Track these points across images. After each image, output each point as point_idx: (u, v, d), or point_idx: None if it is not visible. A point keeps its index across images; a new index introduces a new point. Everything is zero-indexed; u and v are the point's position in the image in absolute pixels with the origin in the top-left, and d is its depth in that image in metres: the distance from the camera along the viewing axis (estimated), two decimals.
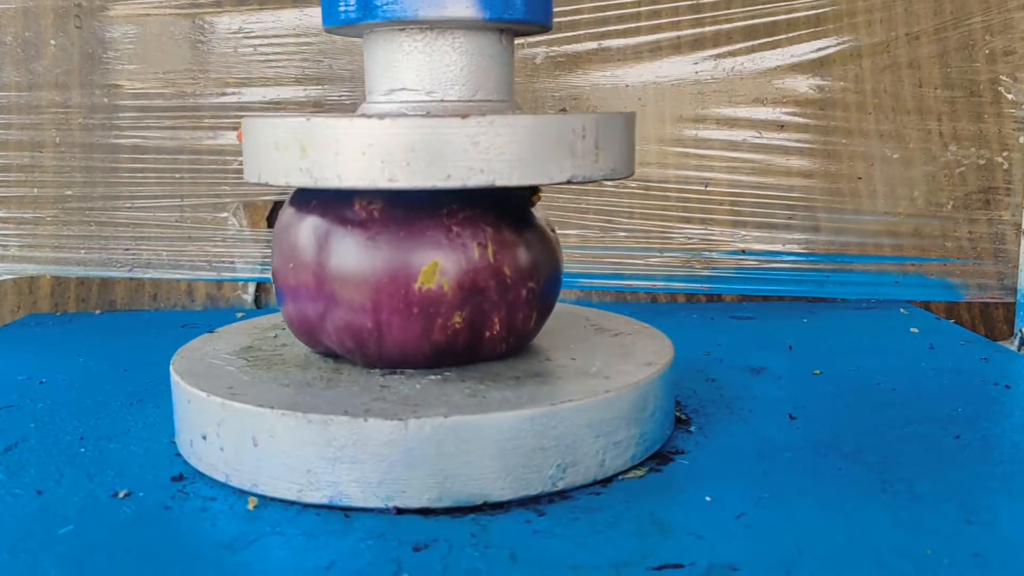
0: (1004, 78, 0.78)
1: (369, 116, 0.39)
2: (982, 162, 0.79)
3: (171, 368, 0.45)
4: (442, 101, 0.44)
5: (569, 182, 0.41)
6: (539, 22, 0.45)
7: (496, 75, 0.45)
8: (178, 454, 0.45)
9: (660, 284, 0.80)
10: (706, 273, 0.80)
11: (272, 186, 0.44)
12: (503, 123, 0.39)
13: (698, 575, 0.33)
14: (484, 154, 0.39)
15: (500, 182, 0.39)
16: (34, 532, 0.37)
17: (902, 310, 0.77)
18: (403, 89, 0.44)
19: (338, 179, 0.39)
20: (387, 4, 0.42)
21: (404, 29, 0.44)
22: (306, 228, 0.44)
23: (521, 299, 0.44)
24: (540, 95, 0.79)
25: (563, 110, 0.50)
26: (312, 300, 0.44)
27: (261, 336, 0.52)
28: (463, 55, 0.44)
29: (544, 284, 0.45)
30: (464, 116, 0.39)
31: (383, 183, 0.39)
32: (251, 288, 0.82)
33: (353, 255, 0.42)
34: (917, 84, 0.79)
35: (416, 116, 0.39)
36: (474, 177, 0.39)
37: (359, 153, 0.39)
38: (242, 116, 0.78)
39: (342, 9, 0.44)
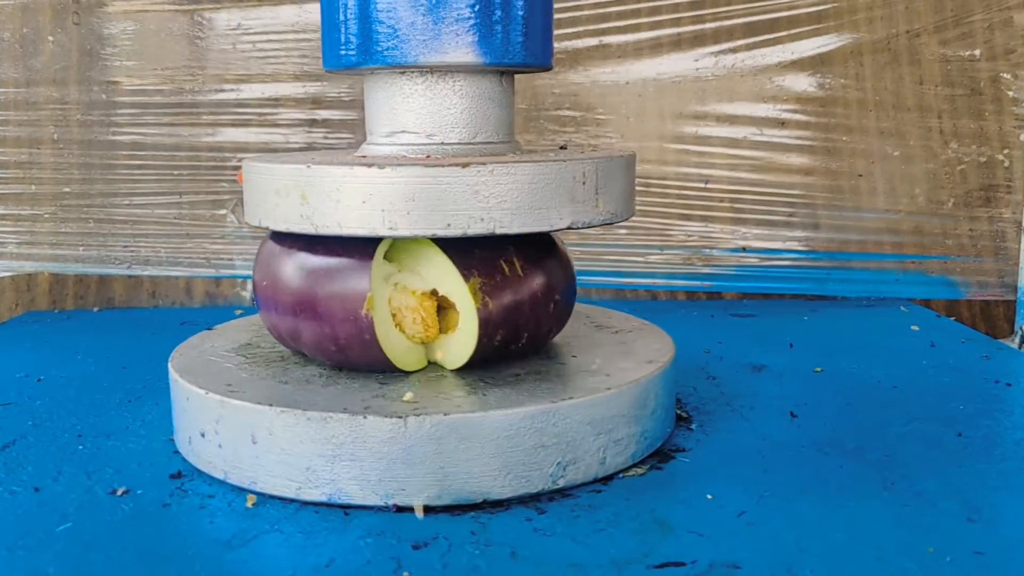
0: (1005, 75, 0.78)
1: (369, 164, 0.39)
2: (983, 159, 0.79)
3: (169, 365, 0.45)
4: (443, 144, 0.44)
5: (569, 228, 0.42)
6: (539, 65, 0.45)
7: (496, 117, 0.45)
8: (176, 451, 0.45)
9: (660, 281, 0.80)
10: (706, 271, 0.80)
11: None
12: (503, 172, 0.39)
13: (699, 573, 0.33)
14: (484, 203, 0.39)
15: (500, 230, 0.40)
16: (32, 530, 0.37)
17: (903, 308, 0.77)
18: (404, 132, 0.44)
19: (339, 227, 0.40)
20: (388, 49, 0.42)
21: (405, 72, 0.44)
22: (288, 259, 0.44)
23: (549, 313, 0.44)
24: (540, 92, 0.78)
25: (563, 147, 0.50)
26: (281, 315, 0.44)
27: (260, 333, 0.51)
28: (464, 98, 0.44)
29: (566, 294, 0.46)
30: (464, 165, 0.39)
31: (383, 231, 0.39)
32: (250, 285, 0.81)
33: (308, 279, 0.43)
34: (918, 81, 0.78)
35: (417, 165, 0.39)
36: (474, 226, 0.39)
37: (359, 202, 0.39)
38: (242, 114, 0.78)
39: (342, 52, 0.44)
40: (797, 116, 0.79)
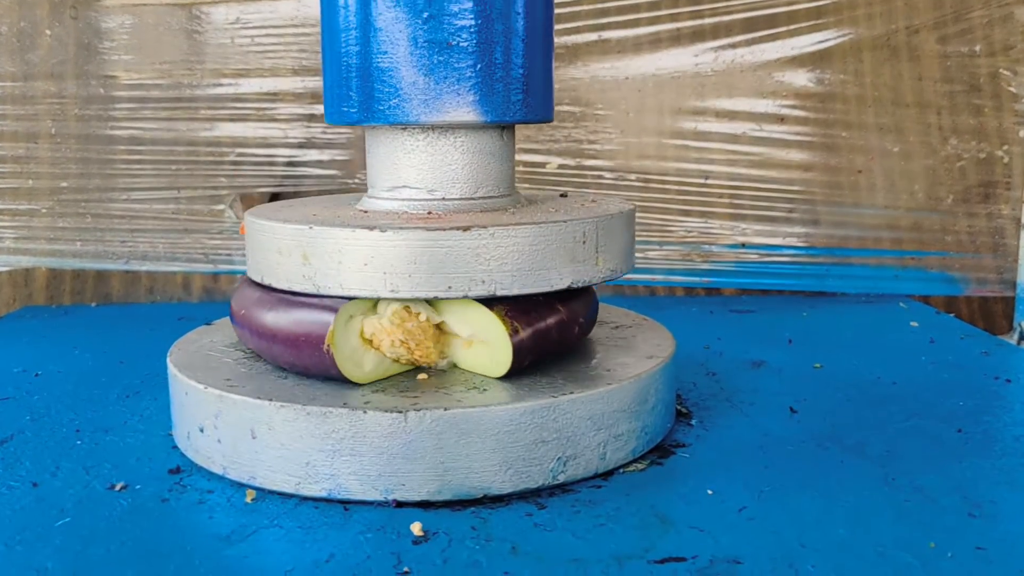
0: (1004, 72, 0.78)
1: (371, 226, 0.39)
2: (982, 156, 0.79)
3: (168, 360, 0.45)
4: (444, 200, 0.44)
5: (569, 287, 0.42)
6: (539, 120, 0.46)
7: (497, 171, 0.45)
8: (175, 447, 0.44)
9: (659, 277, 0.80)
10: (705, 266, 0.80)
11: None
12: (504, 234, 0.39)
13: (700, 568, 0.33)
14: (486, 265, 0.39)
15: (501, 292, 0.40)
16: (30, 524, 0.36)
17: (902, 304, 0.77)
18: (405, 187, 0.44)
19: (340, 288, 0.40)
20: (389, 108, 0.43)
21: (406, 128, 0.44)
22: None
23: (574, 334, 0.45)
24: None
25: (563, 195, 0.51)
26: (255, 340, 0.44)
27: None
28: (465, 153, 0.44)
29: (590, 314, 0.46)
30: (466, 228, 0.39)
31: (384, 293, 0.39)
32: None
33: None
34: (917, 78, 0.78)
35: (418, 228, 0.39)
36: (475, 288, 0.40)
37: (361, 264, 0.39)
38: (240, 108, 0.78)
39: (344, 109, 0.44)
40: (796, 112, 0.79)
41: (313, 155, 0.79)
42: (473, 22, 0.42)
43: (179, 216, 0.79)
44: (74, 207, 0.79)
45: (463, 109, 0.42)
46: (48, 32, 0.77)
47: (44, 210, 0.79)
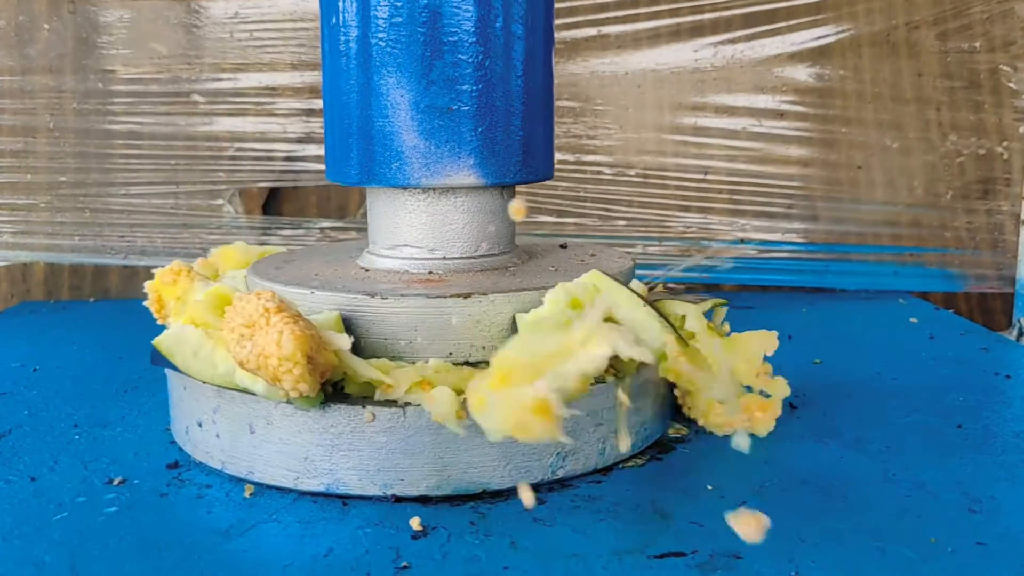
0: (1004, 68, 0.78)
1: (372, 293, 0.40)
2: (982, 152, 0.79)
3: None
4: (445, 259, 0.44)
5: None
6: (540, 180, 0.46)
7: (498, 229, 0.45)
8: (173, 442, 0.44)
9: (658, 273, 0.80)
10: (705, 262, 0.80)
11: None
12: (504, 301, 0.40)
13: (700, 563, 0.33)
14: (485, 331, 0.40)
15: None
16: (28, 519, 0.36)
17: (901, 300, 0.77)
18: (406, 246, 0.45)
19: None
20: (389, 171, 0.43)
21: (407, 189, 0.44)
22: None
23: None
24: None
25: (563, 246, 0.51)
26: None
27: None
28: (465, 213, 0.44)
29: None
30: (466, 296, 0.39)
31: (386, 358, 0.40)
32: None
33: None
34: (917, 74, 0.78)
35: (419, 295, 0.39)
36: (475, 354, 0.40)
37: (364, 330, 0.40)
38: (238, 103, 0.78)
39: (345, 170, 0.44)
40: (796, 107, 0.78)
41: (312, 150, 0.79)
42: (474, 87, 0.42)
43: (178, 211, 0.79)
44: (72, 202, 0.79)
45: (463, 172, 0.43)
46: (46, 26, 0.77)
47: (42, 205, 0.79)
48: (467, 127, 0.42)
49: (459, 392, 0.37)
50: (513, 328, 0.40)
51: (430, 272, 0.44)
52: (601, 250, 0.50)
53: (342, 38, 0.43)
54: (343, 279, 0.43)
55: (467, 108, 0.42)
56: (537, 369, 0.33)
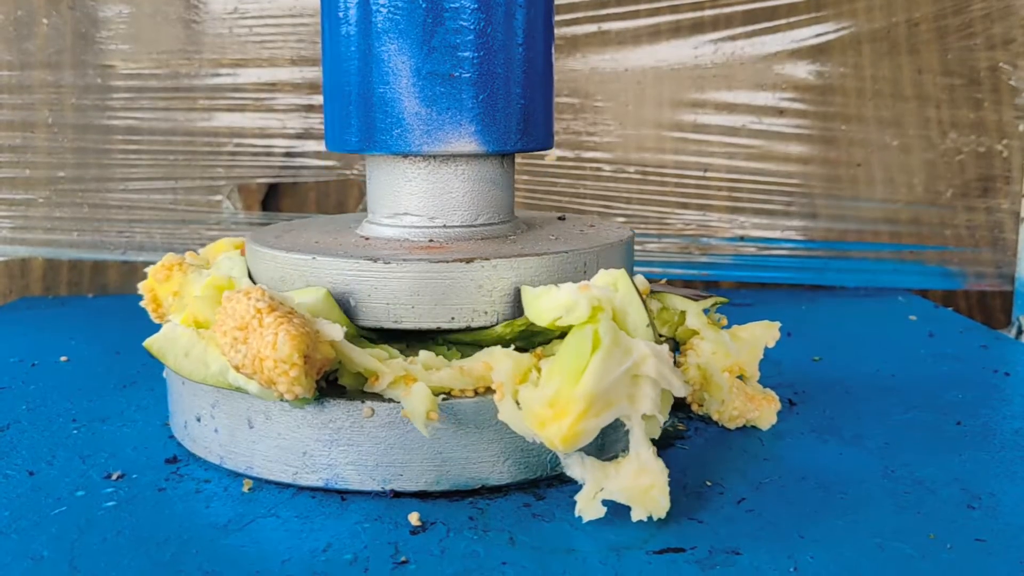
0: (1004, 65, 0.78)
1: (375, 258, 0.39)
2: (981, 150, 0.79)
3: None
4: (445, 227, 0.44)
5: None
6: (540, 148, 0.46)
7: (498, 198, 0.45)
8: (172, 436, 0.44)
9: (657, 270, 0.80)
10: (704, 259, 0.80)
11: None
12: (506, 266, 0.40)
13: (699, 559, 0.33)
14: (488, 296, 0.40)
15: (503, 321, 0.40)
16: (26, 513, 0.36)
17: (900, 298, 0.77)
18: (407, 214, 0.44)
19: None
20: (390, 138, 0.43)
21: (407, 157, 0.44)
22: None
23: None
24: None
25: (561, 218, 0.51)
26: None
27: None
28: (466, 182, 0.44)
29: None
30: (468, 260, 0.39)
31: (388, 324, 0.40)
32: None
33: None
34: (917, 71, 0.78)
35: (421, 260, 0.39)
36: (478, 319, 0.40)
37: (365, 295, 0.39)
38: (238, 100, 0.78)
39: (345, 137, 0.44)
40: (796, 105, 0.78)
41: (311, 146, 0.78)
42: (475, 54, 0.42)
43: (176, 207, 0.79)
44: (71, 197, 0.78)
45: (464, 139, 0.42)
46: (45, 21, 0.77)
47: (41, 200, 0.79)
48: (468, 94, 0.42)
49: (442, 392, 0.37)
50: (516, 297, 0.40)
51: (430, 240, 0.43)
52: (599, 221, 0.50)
53: (343, 4, 0.43)
54: (344, 246, 0.42)
55: (468, 75, 0.42)
56: (609, 402, 0.34)
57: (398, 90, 0.42)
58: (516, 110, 0.43)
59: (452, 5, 0.41)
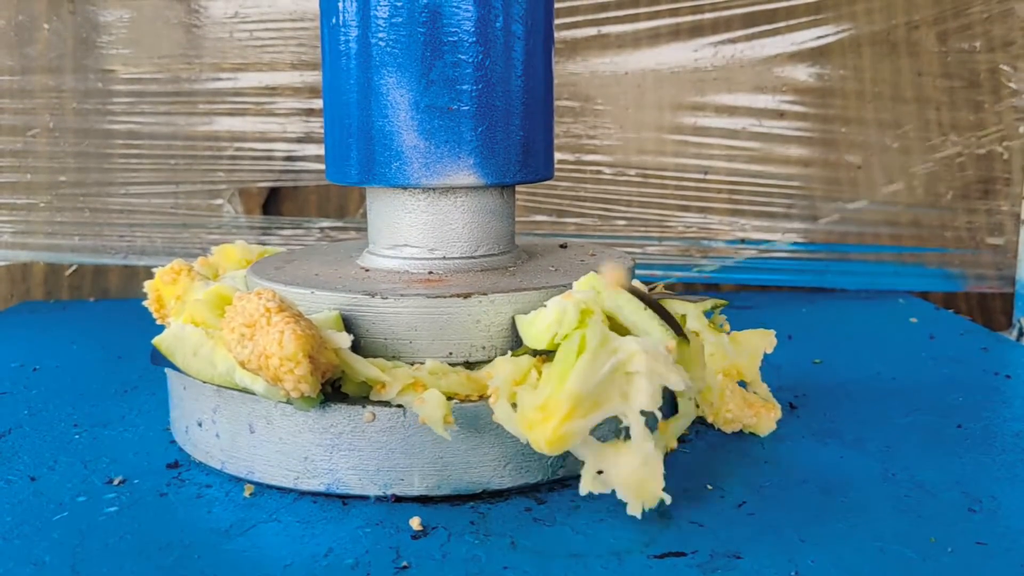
0: (1004, 67, 0.78)
1: (372, 293, 0.39)
2: (982, 152, 0.79)
3: None
4: (445, 259, 0.44)
5: None
6: (540, 180, 0.46)
7: (497, 229, 0.45)
8: (173, 441, 0.44)
9: (658, 273, 0.80)
10: (704, 262, 0.80)
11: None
12: (504, 300, 0.40)
13: (700, 563, 0.33)
14: (485, 331, 0.40)
15: (500, 356, 0.40)
16: (28, 518, 0.36)
17: (901, 300, 0.77)
18: (406, 246, 0.44)
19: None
20: (389, 171, 0.43)
21: (407, 189, 0.44)
22: None
23: None
24: None
25: (563, 246, 0.51)
26: None
27: None
28: (465, 213, 0.44)
29: None
30: (466, 296, 0.39)
31: (386, 358, 0.40)
32: None
33: None
34: (916, 73, 0.78)
35: (419, 295, 0.39)
36: (476, 353, 0.40)
37: (364, 330, 0.40)
38: (239, 104, 0.78)
39: (345, 170, 0.44)
40: (796, 107, 0.78)
41: (312, 150, 0.79)
42: (474, 87, 0.42)
43: (177, 211, 0.79)
44: (72, 201, 0.79)
45: (463, 172, 0.43)
46: (46, 26, 0.77)
47: (42, 204, 0.79)
48: (467, 127, 0.42)
49: (450, 396, 0.37)
50: (513, 329, 0.40)
51: (430, 272, 0.44)
52: (601, 250, 0.50)
53: (342, 38, 0.43)
54: (343, 279, 0.43)
55: (467, 108, 0.42)
56: (597, 402, 0.34)
57: (397, 123, 0.42)
58: (515, 142, 0.43)
59: (450, 39, 0.41)
